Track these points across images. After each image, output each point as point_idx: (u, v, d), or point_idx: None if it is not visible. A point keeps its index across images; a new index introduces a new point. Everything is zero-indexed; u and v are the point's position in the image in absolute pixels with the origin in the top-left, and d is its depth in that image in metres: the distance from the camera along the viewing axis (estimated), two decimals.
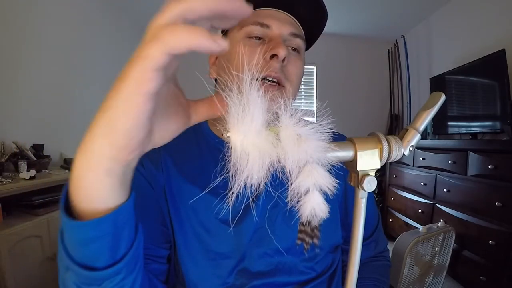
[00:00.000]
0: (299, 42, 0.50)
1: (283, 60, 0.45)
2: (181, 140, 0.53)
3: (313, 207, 0.28)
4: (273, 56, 0.45)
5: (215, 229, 0.48)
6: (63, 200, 0.26)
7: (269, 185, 0.28)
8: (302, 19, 0.51)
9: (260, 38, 0.47)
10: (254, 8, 0.48)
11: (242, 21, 0.48)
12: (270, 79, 0.45)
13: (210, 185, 0.33)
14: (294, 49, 0.50)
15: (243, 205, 0.49)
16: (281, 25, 0.48)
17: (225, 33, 0.52)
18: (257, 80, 0.45)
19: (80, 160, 0.24)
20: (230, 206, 0.27)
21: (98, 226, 0.25)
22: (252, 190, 0.26)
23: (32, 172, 1.37)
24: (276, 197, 0.35)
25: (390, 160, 0.32)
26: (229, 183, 0.26)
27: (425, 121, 0.35)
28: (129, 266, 0.30)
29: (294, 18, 0.50)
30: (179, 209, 0.50)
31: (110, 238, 0.27)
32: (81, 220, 0.25)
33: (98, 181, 0.24)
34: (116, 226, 0.27)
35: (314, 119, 0.28)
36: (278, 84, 0.46)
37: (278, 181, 0.28)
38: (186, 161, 0.52)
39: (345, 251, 0.61)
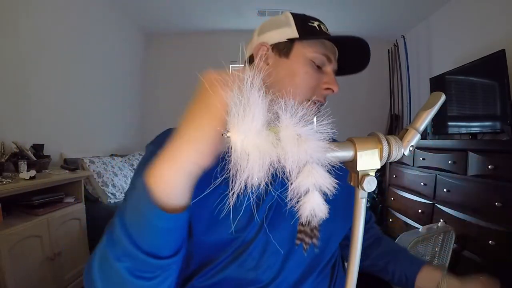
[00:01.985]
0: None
1: None
2: None
3: (313, 207, 0.28)
4: (329, 89, 0.55)
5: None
6: (145, 193, 0.30)
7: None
8: (348, 65, 0.61)
9: (318, 67, 0.55)
10: (319, 35, 0.56)
11: (314, 47, 0.55)
12: (317, 102, 0.55)
13: (210, 188, 0.34)
14: None
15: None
16: (335, 61, 0.57)
17: (292, 41, 0.56)
18: (309, 101, 0.53)
19: (167, 163, 0.30)
20: (231, 207, 0.27)
21: (178, 219, 0.31)
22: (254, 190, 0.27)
23: (32, 172, 1.37)
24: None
25: (390, 160, 0.32)
26: (230, 183, 0.27)
27: (425, 121, 0.35)
28: (180, 259, 0.36)
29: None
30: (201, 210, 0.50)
31: (179, 231, 0.33)
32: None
33: (180, 181, 0.31)
34: (185, 221, 0.33)
35: (314, 119, 0.28)
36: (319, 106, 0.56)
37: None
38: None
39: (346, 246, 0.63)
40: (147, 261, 0.31)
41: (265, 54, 0.57)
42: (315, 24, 0.57)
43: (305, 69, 0.53)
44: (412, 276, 0.62)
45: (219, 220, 0.47)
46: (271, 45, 0.56)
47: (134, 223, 0.32)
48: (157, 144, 0.52)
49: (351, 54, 0.58)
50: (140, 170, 0.53)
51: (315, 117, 0.27)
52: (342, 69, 0.61)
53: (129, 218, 0.32)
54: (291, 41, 0.55)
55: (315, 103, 0.54)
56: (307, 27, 0.56)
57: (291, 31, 0.55)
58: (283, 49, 0.55)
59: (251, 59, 0.60)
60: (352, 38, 0.54)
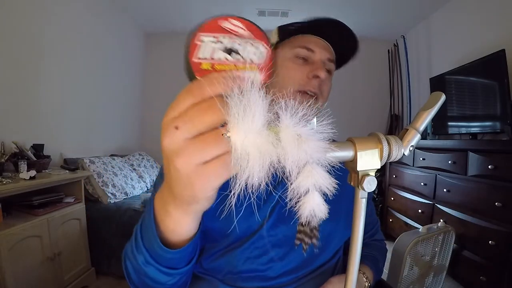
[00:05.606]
0: (332, 66, 0.62)
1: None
2: None
3: (313, 207, 0.28)
4: (315, 76, 0.57)
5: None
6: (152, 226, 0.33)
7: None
8: (338, 47, 0.62)
9: (304, 59, 0.58)
10: (303, 33, 0.60)
11: (293, 43, 0.59)
12: (310, 92, 0.57)
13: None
14: (328, 71, 0.61)
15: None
16: (322, 51, 0.59)
17: (275, 47, 0.60)
18: (305, 93, 0.56)
19: (168, 206, 0.31)
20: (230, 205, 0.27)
21: (183, 251, 0.35)
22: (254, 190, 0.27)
23: (32, 172, 1.37)
24: None
25: (390, 160, 0.32)
26: (231, 183, 0.27)
27: (425, 121, 0.35)
28: (192, 265, 0.41)
29: (330, 46, 0.61)
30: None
31: (188, 253, 0.37)
32: (168, 246, 0.34)
33: (184, 222, 0.32)
34: (192, 246, 0.37)
35: (315, 120, 0.28)
36: (315, 97, 0.59)
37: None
38: None
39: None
40: (168, 271, 0.37)
41: None
42: (296, 26, 0.60)
43: (286, 65, 0.57)
44: None
45: (219, 214, 0.50)
46: None
47: (149, 245, 0.36)
48: None
49: (339, 41, 0.61)
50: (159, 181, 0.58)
51: (315, 115, 0.27)
52: (343, 60, 0.65)
53: (144, 238, 0.37)
54: (275, 49, 0.59)
55: (308, 94, 0.57)
56: (286, 31, 0.60)
57: (274, 41, 0.60)
58: None
59: None
60: (323, 20, 0.58)
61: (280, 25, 0.62)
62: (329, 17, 0.59)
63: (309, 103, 0.54)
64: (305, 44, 0.58)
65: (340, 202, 0.54)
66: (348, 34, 0.61)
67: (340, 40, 0.61)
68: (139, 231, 0.38)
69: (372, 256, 0.67)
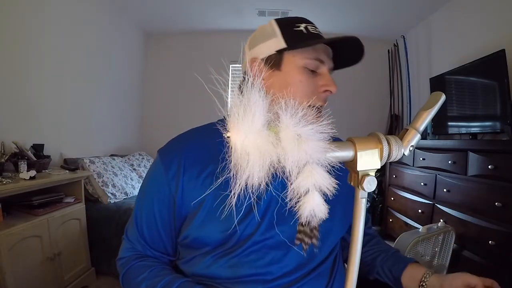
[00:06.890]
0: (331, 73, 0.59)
1: None
2: (204, 150, 0.56)
3: (313, 207, 0.28)
4: (327, 91, 0.54)
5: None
6: None
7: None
8: (345, 59, 0.58)
9: (313, 71, 0.54)
10: (306, 41, 0.53)
11: (304, 53, 0.53)
12: (319, 106, 0.54)
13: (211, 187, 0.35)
14: None
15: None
16: (329, 60, 0.56)
17: (281, 52, 0.54)
18: (313, 107, 0.52)
19: None
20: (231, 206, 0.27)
21: None
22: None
23: (32, 172, 1.37)
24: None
25: (390, 160, 0.32)
26: (231, 183, 0.27)
27: (425, 121, 0.35)
28: None
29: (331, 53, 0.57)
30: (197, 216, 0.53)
31: None
32: None
33: None
34: None
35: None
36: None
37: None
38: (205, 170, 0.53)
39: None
40: None
41: (258, 69, 0.55)
42: (302, 27, 0.55)
43: (298, 78, 0.53)
44: (398, 272, 0.62)
45: (215, 217, 0.50)
46: (262, 58, 0.55)
47: None
48: (166, 157, 0.55)
49: (344, 49, 0.57)
50: (148, 186, 0.58)
51: (318, 119, 0.27)
52: (339, 63, 0.59)
53: None
54: (280, 52, 0.54)
55: (316, 107, 0.53)
56: (293, 33, 0.54)
57: (278, 42, 0.54)
58: (273, 61, 0.54)
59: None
60: (340, 39, 0.52)
61: (278, 19, 0.57)
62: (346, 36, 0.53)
63: (318, 117, 0.52)
64: (318, 56, 0.53)
65: (336, 198, 0.54)
66: (357, 45, 0.56)
67: (348, 52, 0.57)
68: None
69: (397, 253, 0.68)
